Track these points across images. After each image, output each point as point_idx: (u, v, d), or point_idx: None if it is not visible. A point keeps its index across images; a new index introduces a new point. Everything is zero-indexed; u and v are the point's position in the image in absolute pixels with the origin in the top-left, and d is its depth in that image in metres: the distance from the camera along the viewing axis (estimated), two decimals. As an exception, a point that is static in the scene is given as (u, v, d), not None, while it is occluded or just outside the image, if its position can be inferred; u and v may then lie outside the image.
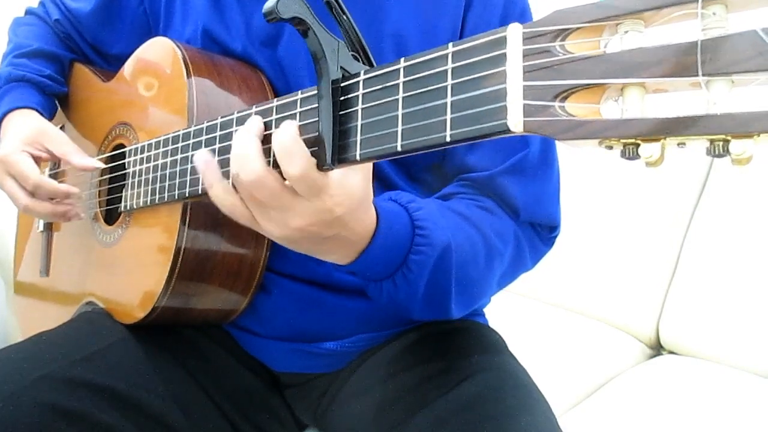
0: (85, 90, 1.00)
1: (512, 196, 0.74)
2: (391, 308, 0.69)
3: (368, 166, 0.55)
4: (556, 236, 0.81)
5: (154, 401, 0.75)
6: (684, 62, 0.34)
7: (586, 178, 1.57)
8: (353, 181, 0.53)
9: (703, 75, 0.34)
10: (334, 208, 0.53)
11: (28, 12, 1.04)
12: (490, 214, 0.73)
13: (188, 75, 0.75)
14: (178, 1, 0.86)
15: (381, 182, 0.77)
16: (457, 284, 0.68)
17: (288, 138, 0.51)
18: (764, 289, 1.29)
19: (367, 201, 0.57)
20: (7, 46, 1.00)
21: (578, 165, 1.54)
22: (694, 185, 1.46)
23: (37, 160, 0.86)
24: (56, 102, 0.99)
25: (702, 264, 1.40)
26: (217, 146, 0.62)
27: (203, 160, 0.58)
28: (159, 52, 0.83)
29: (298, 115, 0.53)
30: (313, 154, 0.51)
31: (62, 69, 1.00)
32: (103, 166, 0.87)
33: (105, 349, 0.77)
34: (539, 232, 0.78)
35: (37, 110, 0.92)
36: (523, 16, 0.77)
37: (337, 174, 0.52)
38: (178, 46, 0.79)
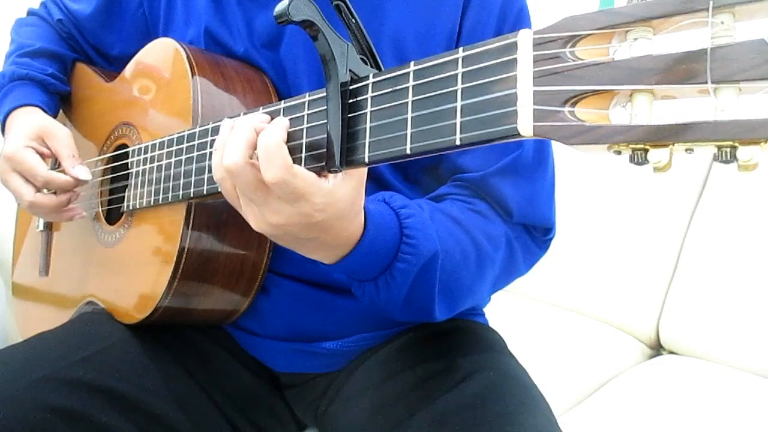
0: (87, 90, 1.00)
1: (505, 197, 0.74)
2: (372, 308, 0.69)
3: (362, 176, 0.55)
4: (551, 239, 0.80)
5: (154, 401, 0.75)
6: (692, 69, 0.35)
7: (586, 179, 1.57)
8: (341, 192, 0.53)
9: (712, 82, 0.34)
10: (314, 213, 0.53)
11: (30, 12, 1.04)
12: (482, 218, 0.73)
13: (193, 75, 0.75)
14: (179, 3, 0.86)
15: (376, 183, 0.77)
16: (443, 290, 0.67)
17: (272, 142, 0.51)
18: (764, 289, 1.30)
19: (355, 210, 0.57)
20: (9, 47, 1.00)
21: (579, 166, 1.55)
22: (694, 185, 1.46)
23: (41, 156, 0.86)
24: (59, 101, 0.99)
25: (702, 264, 1.40)
26: None
27: (228, 123, 0.57)
28: (163, 53, 0.83)
29: (305, 117, 0.53)
30: (321, 156, 0.51)
31: (65, 68, 1.00)
32: (90, 177, 0.87)
33: (105, 350, 0.77)
34: (534, 235, 0.78)
35: (40, 108, 0.92)
36: (521, 16, 0.77)
37: (324, 182, 0.52)
38: (182, 47, 0.79)
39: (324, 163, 0.51)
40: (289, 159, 0.51)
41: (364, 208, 0.59)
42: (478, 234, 0.70)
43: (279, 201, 0.52)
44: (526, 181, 0.75)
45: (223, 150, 0.54)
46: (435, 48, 0.74)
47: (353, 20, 0.53)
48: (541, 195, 0.77)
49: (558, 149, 0.72)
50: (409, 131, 0.45)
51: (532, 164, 0.76)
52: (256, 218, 0.55)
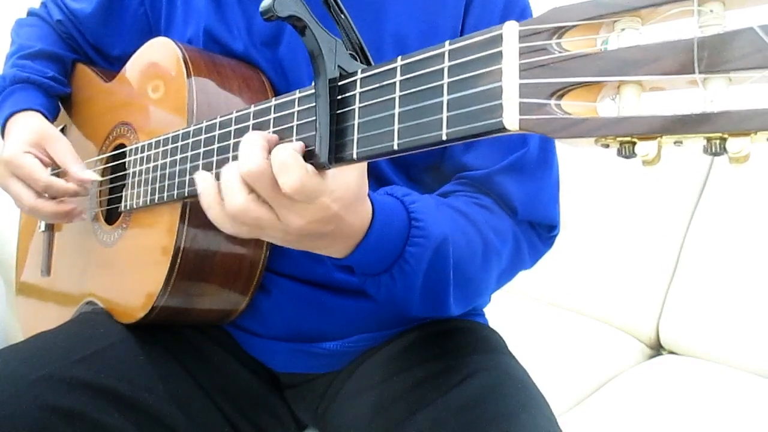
0: (86, 90, 1.00)
1: (510, 195, 0.73)
2: (390, 305, 0.68)
3: (363, 163, 0.54)
4: (555, 236, 0.80)
5: (154, 401, 0.75)
6: (681, 60, 0.34)
7: (586, 178, 1.57)
8: (349, 176, 0.53)
9: (700, 73, 0.34)
10: (332, 204, 0.53)
11: (30, 13, 1.04)
12: (488, 211, 0.72)
13: (188, 75, 0.76)
14: (179, 2, 0.87)
15: (379, 182, 0.77)
16: (455, 279, 0.67)
17: (286, 154, 0.50)
18: (764, 289, 1.29)
19: (363, 193, 0.57)
20: (9, 48, 1.00)
21: (579, 165, 1.54)
22: (694, 185, 1.46)
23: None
24: (59, 103, 0.99)
25: (702, 264, 1.40)
26: (216, 146, 0.62)
27: (202, 179, 0.57)
28: (159, 52, 0.83)
29: (295, 114, 0.53)
30: (310, 153, 0.51)
31: (65, 69, 1.00)
32: (100, 178, 0.87)
33: (105, 349, 0.77)
34: (538, 231, 0.78)
35: (40, 112, 0.92)
36: (524, 15, 0.77)
37: (333, 171, 0.52)
38: (178, 46, 0.79)
39: (312, 160, 0.51)
40: (303, 163, 0.50)
41: (369, 197, 0.59)
42: (484, 227, 0.70)
43: (300, 203, 0.52)
44: (531, 179, 0.75)
45: (243, 154, 0.53)
46: None
47: (342, 16, 0.53)
48: (546, 193, 0.77)
49: (560, 147, 0.72)
50: (396, 127, 0.45)
51: (537, 162, 0.75)
52: (279, 233, 0.54)
